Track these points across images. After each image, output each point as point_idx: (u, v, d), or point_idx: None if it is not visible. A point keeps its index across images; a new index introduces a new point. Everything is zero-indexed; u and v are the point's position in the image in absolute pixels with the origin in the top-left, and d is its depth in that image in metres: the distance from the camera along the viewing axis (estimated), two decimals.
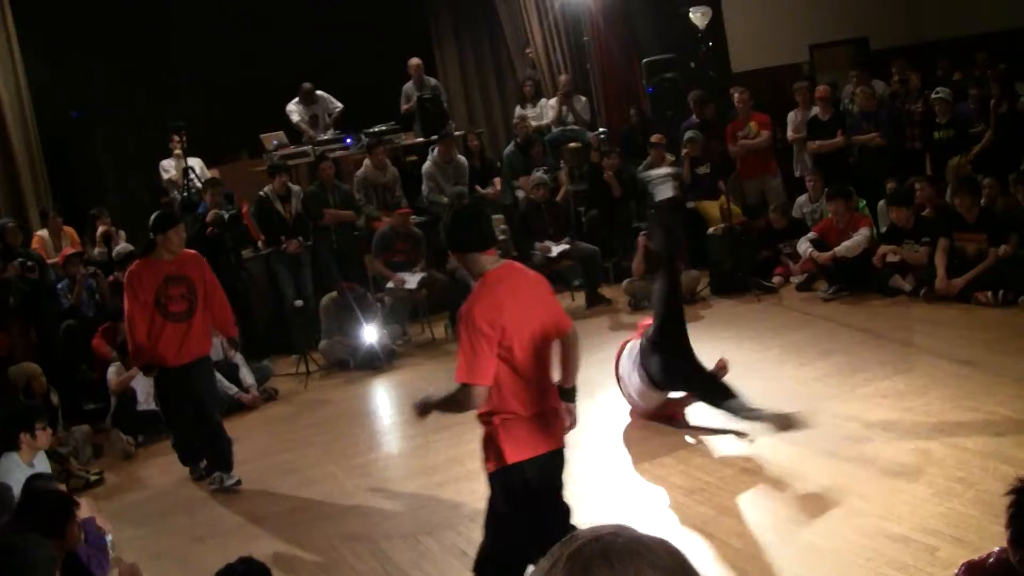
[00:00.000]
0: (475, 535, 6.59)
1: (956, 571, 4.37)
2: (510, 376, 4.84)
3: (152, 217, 8.28)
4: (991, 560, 4.22)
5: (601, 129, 15.33)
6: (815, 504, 6.44)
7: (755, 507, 6.56)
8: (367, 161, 13.72)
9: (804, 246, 11.86)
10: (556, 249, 12.74)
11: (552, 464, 5.01)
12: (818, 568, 5.53)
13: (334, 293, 11.85)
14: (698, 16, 13.10)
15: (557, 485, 5.11)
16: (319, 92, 15.07)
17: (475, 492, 7.38)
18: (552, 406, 5.05)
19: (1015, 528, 3.57)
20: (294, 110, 15.00)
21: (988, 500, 5.90)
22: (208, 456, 8.56)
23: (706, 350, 9.05)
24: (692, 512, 6.57)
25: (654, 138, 14.15)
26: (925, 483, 6.47)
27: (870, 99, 13.44)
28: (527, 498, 4.89)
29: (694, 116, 14.57)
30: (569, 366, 5.34)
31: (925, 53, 15.49)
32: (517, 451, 4.85)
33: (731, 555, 5.91)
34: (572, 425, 5.31)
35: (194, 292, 8.16)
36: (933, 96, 13.06)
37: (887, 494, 6.40)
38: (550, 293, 5.18)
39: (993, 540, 4.66)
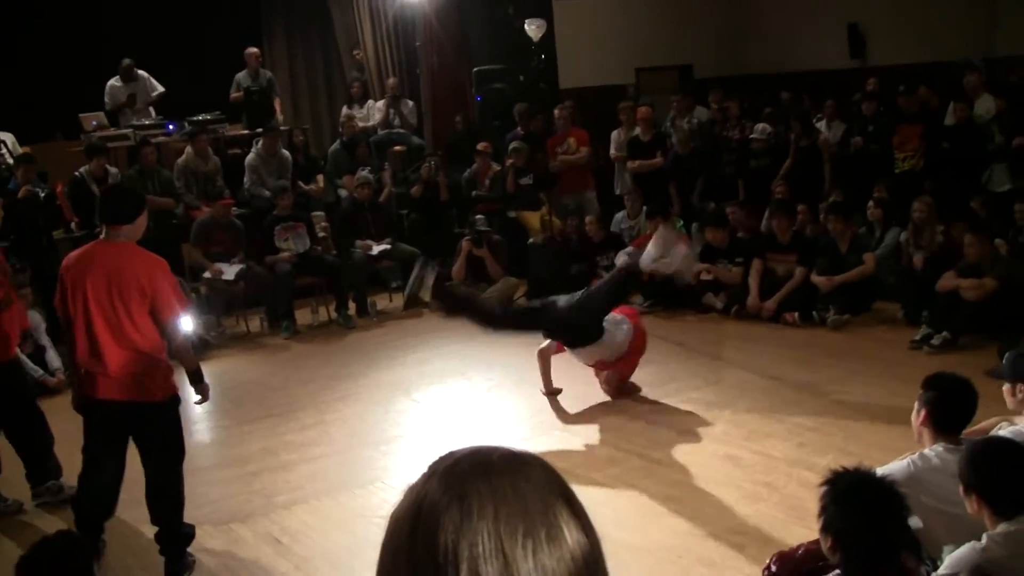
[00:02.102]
0: (289, 523, 6.60)
1: (767, 561, 4.55)
2: None
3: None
4: (800, 551, 4.42)
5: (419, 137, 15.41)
6: (628, 504, 6.59)
7: None
8: (189, 149, 13.45)
9: (622, 259, 12.07)
10: (377, 248, 12.72)
11: None
12: (630, 566, 5.65)
13: None
14: (533, 29, 13.29)
15: None
16: (140, 71, 14.69)
17: (288, 482, 7.37)
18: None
19: (828, 515, 3.74)
20: (113, 85, 14.58)
21: (793, 503, 6.16)
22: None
23: (521, 358, 9.20)
24: None
25: (480, 146, 14.26)
26: (733, 487, 6.69)
27: (685, 141, 13.94)
28: None
29: (519, 127, 14.74)
30: None
31: (744, 84, 16.07)
32: None
33: None
34: None
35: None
36: (753, 135, 13.61)
37: (697, 496, 6.61)
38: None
39: (797, 539, 4.87)
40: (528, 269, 12.88)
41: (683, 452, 7.38)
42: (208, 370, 10.62)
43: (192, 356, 6.08)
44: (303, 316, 12.31)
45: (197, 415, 9.66)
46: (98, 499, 6.14)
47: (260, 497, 7.16)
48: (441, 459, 1.23)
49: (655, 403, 8.54)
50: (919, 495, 4.29)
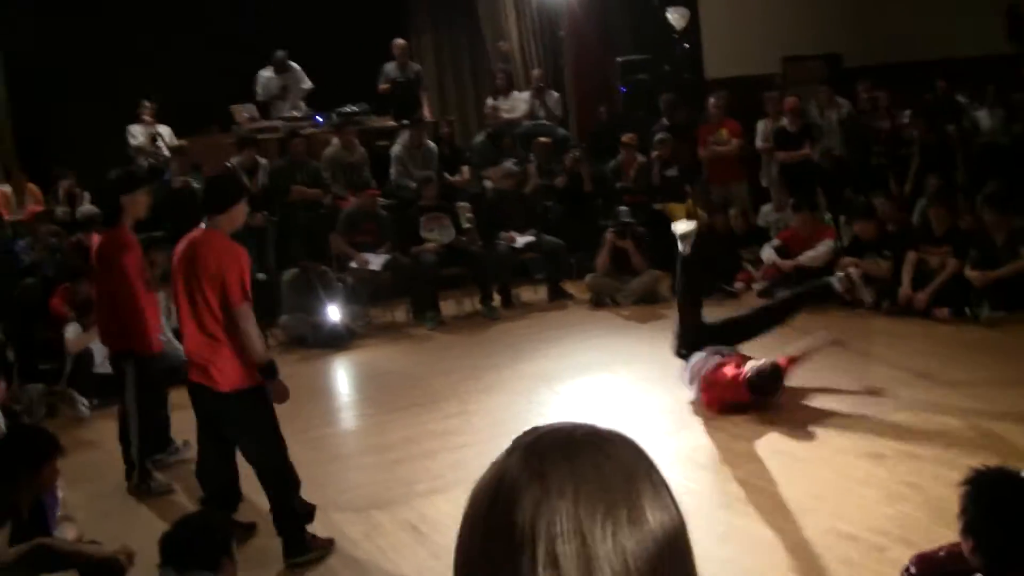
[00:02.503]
0: (428, 512, 6.66)
1: (907, 562, 4.45)
2: None
3: (116, 175, 7.77)
4: (942, 553, 4.32)
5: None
6: (769, 501, 6.51)
7: (708, 499, 6.63)
8: (336, 140, 13.70)
9: (768, 253, 11.97)
10: (521, 240, 12.77)
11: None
12: (768, 560, 5.60)
13: (297, 269, 11.81)
14: (676, 17, 13.20)
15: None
16: (292, 63, 14.99)
17: (429, 470, 7.44)
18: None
19: (969, 516, 3.65)
20: (266, 76, 14.89)
21: (937, 505, 5.99)
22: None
23: (665, 351, 9.14)
24: None
25: (625, 138, 14.23)
26: (877, 486, 6.56)
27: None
28: None
29: (664, 119, 14.65)
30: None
31: (895, 73, 15.66)
32: None
33: None
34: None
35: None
36: (903, 119, 13.33)
37: (840, 494, 6.50)
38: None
39: (940, 542, 4.74)
40: (673, 263, 12.75)
41: (826, 450, 7.27)
42: (353, 359, 11.05)
43: (259, 349, 5.94)
44: (448, 307, 12.43)
45: (343, 403, 9.88)
46: (206, 481, 6.34)
47: (401, 485, 7.24)
48: (524, 434, 1.23)
49: (800, 400, 8.41)
50: None
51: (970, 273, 10.46)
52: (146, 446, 7.57)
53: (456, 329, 11.93)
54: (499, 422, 8.38)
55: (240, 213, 6.11)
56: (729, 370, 8.17)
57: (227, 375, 5.90)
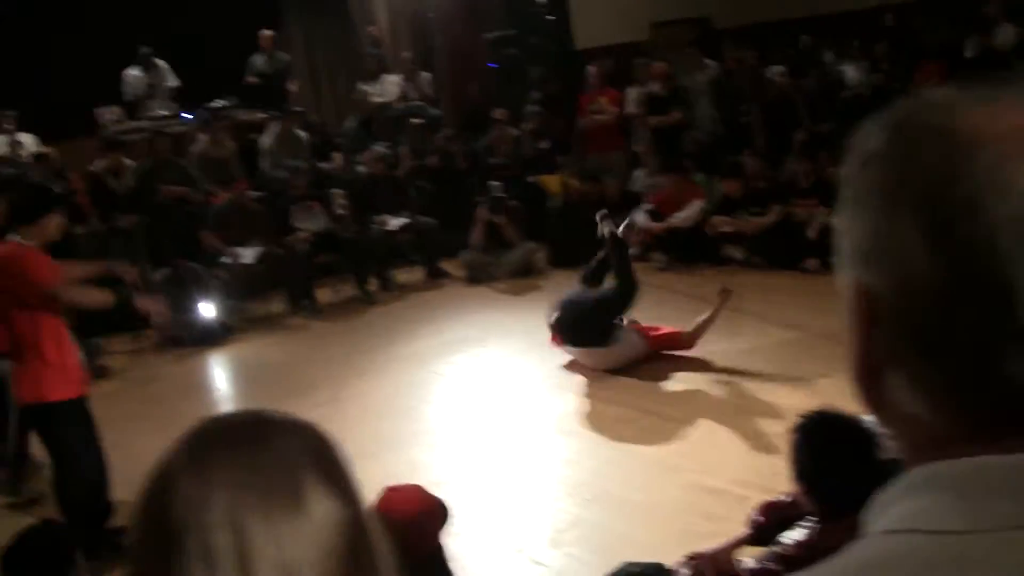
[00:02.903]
0: None
1: (754, 510, 4.46)
2: None
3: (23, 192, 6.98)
4: (786, 499, 4.32)
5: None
6: (636, 462, 6.53)
7: (578, 464, 6.63)
8: (204, 136, 13.47)
9: (640, 217, 11.99)
10: (395, 223, 12.65)
11: None
12: (632, 523, 5.60)
13: (169, 269, 11.59)
14: None
15: None
16: (158, 61, 14.71)
17: None
18: None
19: (797, 462, 3.65)
20: (133, 75, 14.59)
21: None
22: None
23: (540, 322, 9.12)
24: (514, 468, 6.61)
25: (497, 114, 14.18)
26: (743, 439, 6.62)
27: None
28: None
29: (535, 92, 14.63)
30: None
31: (763, 32, 15.75)
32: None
33: (552, 510, 5.97)
34: None
35: None
36: (770, 75, 13.43)
37: (706, 451, 6.55)
38: None
39: None
40: (547, 234, 12.75)
41: (696, 407, 7.32)
42: (229, 354, 10.91)
43: (98, 297, 6.10)
44: (325, 295, 12.28)
45: (216, 399, 9.73)
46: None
47: None
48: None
49: (671, 359, 8.44)
50: None
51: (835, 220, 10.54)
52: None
53: (333, 316, 11.79)
54: (371, 406, 8.32)
55: (51, 224, 5.86)
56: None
57: (24, 388, 5.81)
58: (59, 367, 5.74)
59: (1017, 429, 0.88)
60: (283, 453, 1.14)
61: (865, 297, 0.94)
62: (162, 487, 1.11)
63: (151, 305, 6.85)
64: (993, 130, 0.88)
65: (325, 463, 1.16)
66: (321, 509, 1.10)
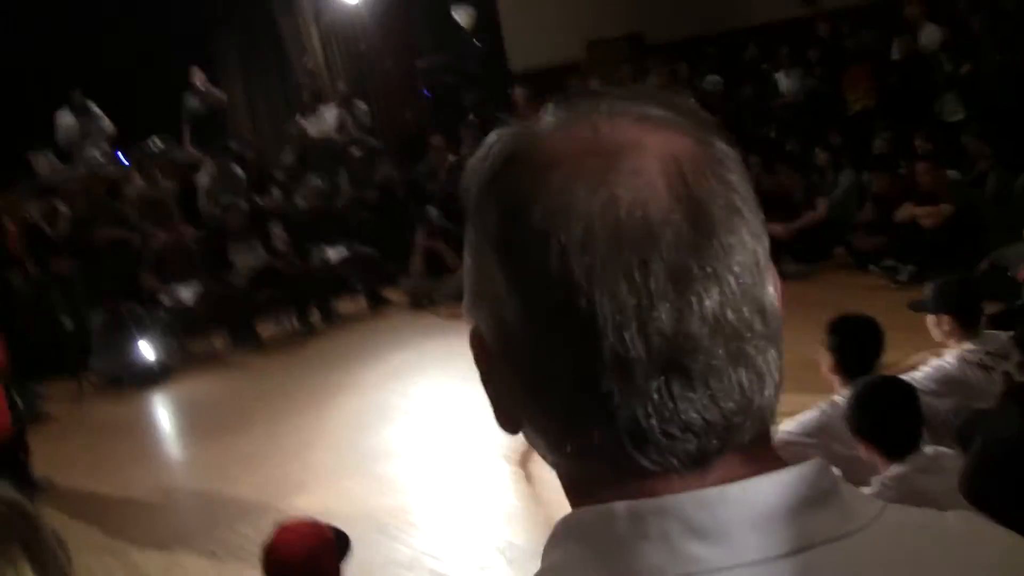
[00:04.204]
0: (233, 540, 6.50)
1: None
2: None
3: None
4: None
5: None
6: None
7: (537, 499, 6.60)
8: (140, 177, 13.39)
9: None
10: (335, 254, 12.60)
11: None
12: None
13: (107, 311, 11.49)
14: (462, 15, 13.17)
15: None
16: (91, 104, 14.61)
17: (233, 497, 7.28)
18: None
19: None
20: (65, 122, 14.48)
21: None
22: None
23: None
24: (456, 497, 6.57)
25: (433, 141, 14.17)
26: None
27: None
28: None
29: (471, 116, 14.64)
30: None
31: (697, 46, 15.82)
32: None
33: (493, 540, 5.94)
34: None
35: None
36: (708, 87, 13.53)
37: None
38: None
39: None
40: None
41: None
42: (168, 394, 10.84)
43: None
44: (267, 329, 12.19)
45: (153, 439, 9.67)
46: None
47: (202, 514, 7.15)
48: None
49: None
50: (831, 443, 4.17)
51: (772, 227, 10.55)
52: None
53: (275, 351, 11.71)
54: (305, 439, 8.30)
55: None
56: None
57: None
58: None
59: (647, 470, 0.83)
60: None
61: (479, 344, 0.90)
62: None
63: None
64: (565, 150, 0.83)
65: (30, 538, 1.20)
66: None
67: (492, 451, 7.33)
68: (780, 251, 10.44)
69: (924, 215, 9.40)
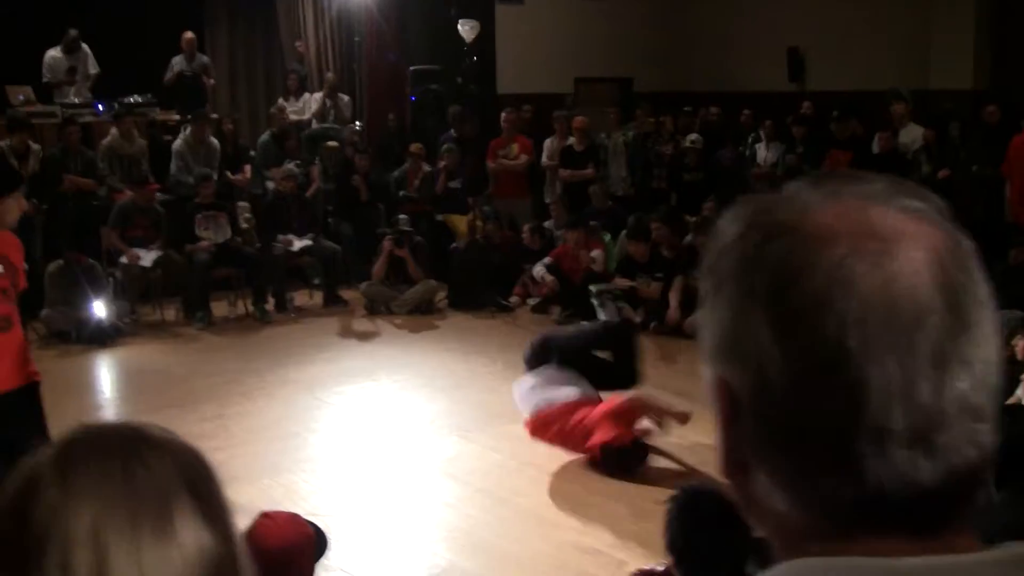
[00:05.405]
0: None
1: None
2: None
3: None
4: (659, 568, 4.38)
5: (358, 124, 15.34)
6: (513, 513, 6.56)
7: (457, 511, 6.64)
8: (115, 130, 13.25)
9: (539, 270, 12.09)
10: (298, 244, 12.57)
11: None
12: (506, 572, 5.62)
13: (62, 261, 11.37)
14: (466, 30, 13.23)
15: None
16: (83, 45, 14.46)
17: None
18: None
19: (669, 533, 3.70)
20: (54, 57, 14.30)
21: None
22: None
23: (432, 361, 9.14)
24: (393, 506, 6.60)
25: (413, 147, 14.18)
26: (626, 502, 6.67)
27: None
28: None
29: (452, 130, 14.69)
30: None
31: (683, 101, 16.03)
32: None
33: (427, 553, 5.96)
34: None
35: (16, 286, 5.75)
36: (686, 144, 13.72)
37: (587, 509, 6.60)
38: None
39: None
40: (449, 274, 12.76)
41: (580, 465, 7.33)
42: (116, 357, 10.75)
43: None
44: (220, 308, 12.14)
45: (99, 402, 9.55)
46: None
47: None
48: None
49: None
50: None
51: None
52: None
53: (225, 331, 11.67)
54: (255, 428, 8.26)
55: (5, 211, 5.30)
56: (580, 419, 7.26)
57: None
58: None
59: (880, 530, 0.90)
60: (157, 473, 1.09)
61: (725, 393, 0.95)
62: (26, 491, 1.05)
63: None
64: (838, 228, 0.91)
65: (201, 489, 1.12)
66: (191, 538, 1.06)
67: (436, 465, 7.41)
68: None
69: None
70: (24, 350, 5.66)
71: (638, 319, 11.20)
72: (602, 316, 10.76)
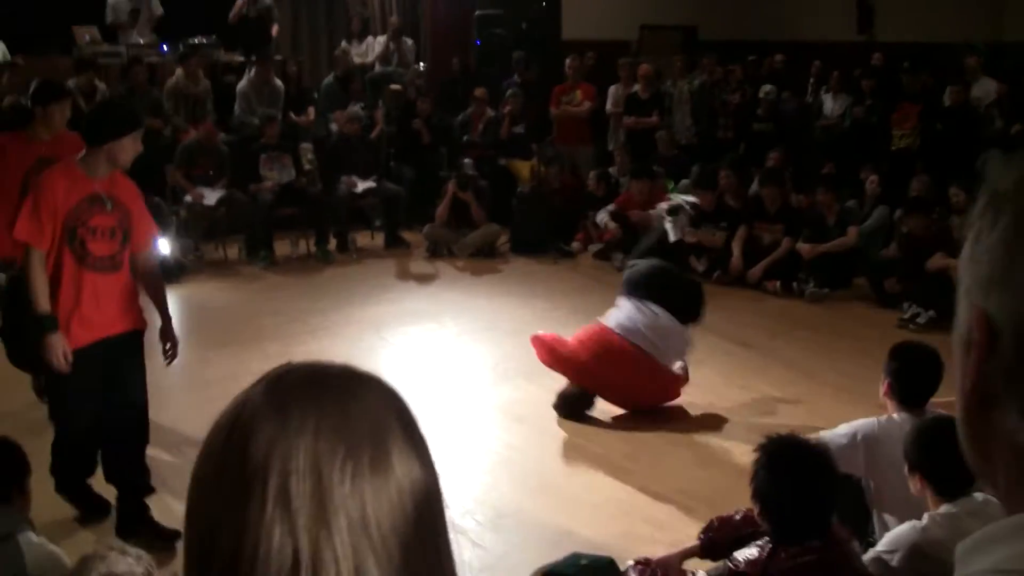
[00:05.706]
0: None
1: (707, 523, 4.50)
2: None
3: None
4: (738, 516, 4.38)
5: (422, 65, 15.29)
6: (581, 458, 6.56)
7: (523, 452, 6.64)
8: (180, 71, 13.28)
9: (603, 217, 12.03)
10: (362, 186, 12.58)
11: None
12: (575, 517, 5.62)
13: None
14: None
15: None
16: None
17: None
18: None
19: (757, 481, 3.72)
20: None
21: (745, 471, 6.02)
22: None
23: (495, 305, 9.12)
24: (460, 448, 6.61)
25: (477, 92, 14.12)
26: (689, 450, 6.65)
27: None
28: None
29: (516, 76, 14.61)
30: None
31: (748, 50, 15.84)
32: None
33: (495, 495, 5.97)
34: None
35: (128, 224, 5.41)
36: (760, 94, 13.56)
37: (652, 456, 6.57)
38: None
39: (746, 506, 4.80)
40: (512, 218, 12.73)
41: (643, 413, 7.31)
42: (181, 294, 10.79)
43: None
44: (282, 247, 12.20)
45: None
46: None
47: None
48: (277, 368, 1.16)
49: None
50: (877, 455, 4.30)
51: (801, 245, 10.67)
52: None
53: (288, 270, 11.73)
54: None
55: (120, 150, 5.13)
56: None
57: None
58: None
59: None
60: (371, 408, 1.11)
61: (985, 325, 0.94)
62: (242, 427, 1.07)
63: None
64: None
65: (410, 425, 1.14)
66: (404, 469, 1.08)
67: (502, 408, 7.40)
68: (801, 271, 10.55)
69: (956, 268, 9.46)
70: (132, 294, 5.61)
71: (701, 268, 11.13)
72: (670, 231, 10.69)
